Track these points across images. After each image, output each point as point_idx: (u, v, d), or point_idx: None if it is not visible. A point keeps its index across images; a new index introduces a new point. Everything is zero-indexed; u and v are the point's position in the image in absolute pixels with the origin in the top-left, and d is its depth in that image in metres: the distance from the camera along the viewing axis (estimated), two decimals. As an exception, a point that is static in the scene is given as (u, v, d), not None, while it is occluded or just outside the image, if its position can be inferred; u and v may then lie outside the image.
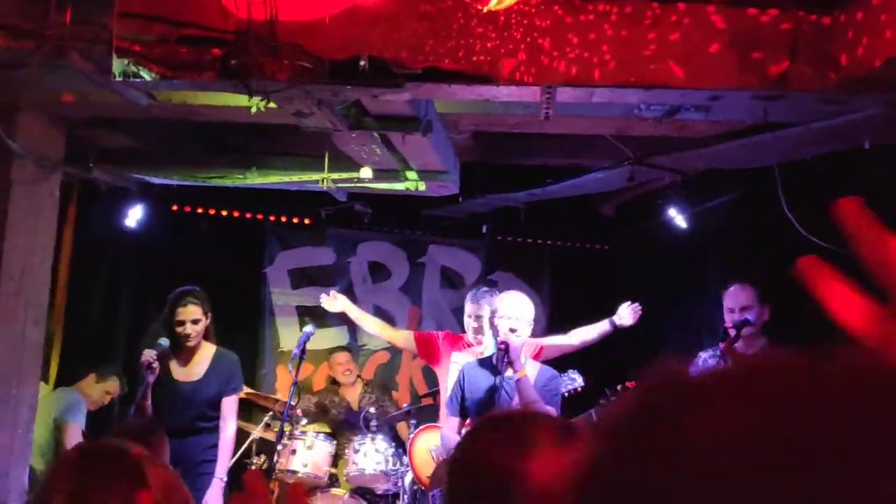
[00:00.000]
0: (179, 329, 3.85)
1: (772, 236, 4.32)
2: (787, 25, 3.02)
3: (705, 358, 4.21)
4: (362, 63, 2.40)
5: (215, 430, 3.90)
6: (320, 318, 6.37)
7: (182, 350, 3.90)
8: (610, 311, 4.58)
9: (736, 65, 2.90)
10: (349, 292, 6.42)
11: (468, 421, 3.73)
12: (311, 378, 6.44)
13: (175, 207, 5.90)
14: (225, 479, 3.91)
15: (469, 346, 4.62)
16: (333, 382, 6.09)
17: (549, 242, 6.68)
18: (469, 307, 4.43)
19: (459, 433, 3.74)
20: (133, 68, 2.51)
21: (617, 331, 4.45)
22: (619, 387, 3.80)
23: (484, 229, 6.46)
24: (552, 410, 3.55)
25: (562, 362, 4.63)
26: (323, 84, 2.53)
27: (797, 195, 4.03)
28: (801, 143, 3.75)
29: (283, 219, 6.30)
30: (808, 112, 3.29)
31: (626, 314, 4.40)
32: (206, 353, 4.02)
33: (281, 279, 6.35)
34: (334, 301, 4.73)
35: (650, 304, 5.77)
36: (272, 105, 2.89)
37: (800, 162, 3.99)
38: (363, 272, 6.51)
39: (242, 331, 6.18)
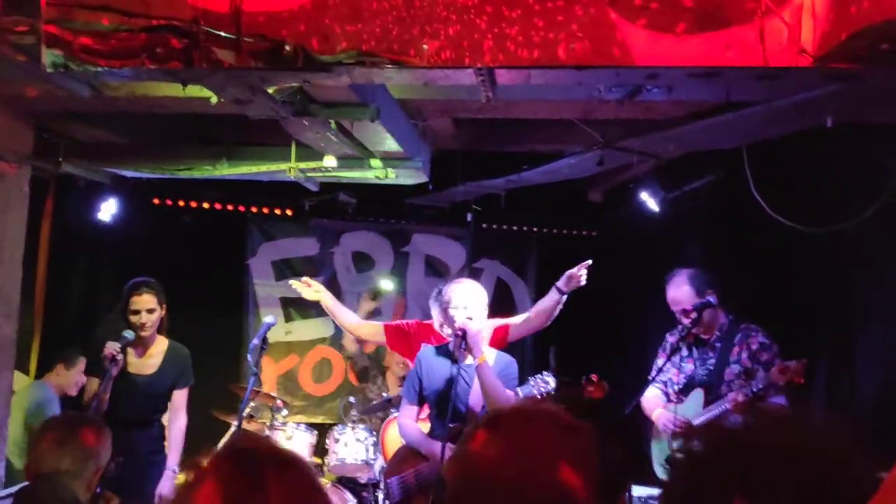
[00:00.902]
0: (134, 318, 3.85)
1: (742, 218, 4.27)
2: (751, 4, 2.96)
3: (672, 342, 4.18)
4: (287, 48, 2.38)
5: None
6: (305, 309, 6.39)
7: (137, 341, 3.90)
8: (596, 296, 4.48)
9: (701, 45, 2.85)
10: (333, 282, 6.43)
11: (425, 408, 3.72)
12: (297, 368, 6.46)
13: (157, 201, 5.92)
14: (177, 470, 3.93)
15: (440, 339, 4.59)
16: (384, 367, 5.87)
17: (534, 229, 6.64)
18: (434, 311, 4.40)
19: (416, 420, 3.72)
20: (62, 59, 2.50)
21: (569, 294, 4.23)
22: (583, 379, 3.74)
23: (469, 217, 6.42)
24: (511, 396, 3.52)
25: (538, 364, 4.54)
26: (249, 70, 2.51)
27: (765, 176, 3.97)
28: (765, 122, 3.68)
29: (266, 210, 6.30)
30: (764, 91, 3.22)
31: (566, 277, 4.14)
32: (160, 346, 4.03)
33: (264, 270, 6.37)
34: (308, 288, 4.52)
35: (636, 288, 5.74)
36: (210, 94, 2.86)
37: (767, 143, 3.93)
38: (347, 262, 6.50)
39: (226, 322, 6.21)
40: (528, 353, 5.94)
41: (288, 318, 6.35)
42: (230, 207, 6.18)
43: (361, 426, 5.10)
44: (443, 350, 3.68)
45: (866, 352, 4.00)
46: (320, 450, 5.22)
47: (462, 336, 3.44)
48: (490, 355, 3.56)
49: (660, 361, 4.26)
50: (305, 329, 6.40)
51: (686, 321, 3.93)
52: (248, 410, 5.40)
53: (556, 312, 4.35)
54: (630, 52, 2.69)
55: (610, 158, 4.41)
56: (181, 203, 6.01)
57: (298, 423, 5.34)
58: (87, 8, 2.64)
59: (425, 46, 2.37)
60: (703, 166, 4.80)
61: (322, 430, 5.35)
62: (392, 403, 5.31)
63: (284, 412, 5.43)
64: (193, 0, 2.74)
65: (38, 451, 2.33)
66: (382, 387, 5.75)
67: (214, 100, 3.36)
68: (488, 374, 3.45)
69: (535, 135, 5.00)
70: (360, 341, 5.58)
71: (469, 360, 3.55)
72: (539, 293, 6.63)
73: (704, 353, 4.05)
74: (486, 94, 2.82)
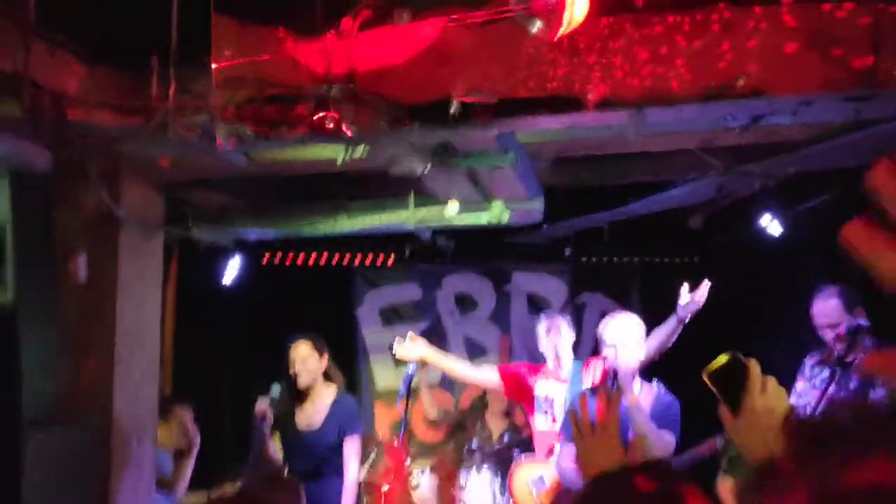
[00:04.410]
0: (291, 370, 3.93)
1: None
2: (866, 19, 2.94)
3: (811, 364, 4.10)
4: (453, 105, 2.45)
5: (339, 473, 3.92)
6: (413, 354, 6.43)
7: (299, 394, 3.97)
8: (704, 323, 4.43)
9: (818, 66, 2.83)
10: (438, 326, 6.49)
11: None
12: (410, 415, 6.47)
13: (266, 258, 6.10)
14: None
15: (550, 372, 4.58)
16: (482, 407, 5.83)
17: (635, 259, 6.58)
18: (540, 335, 4.43)
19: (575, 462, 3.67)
20: (234, 131, 2.63)
21: (687, 321, 4.19)
22: None
23: (567, 252, 6.42)
24: (669, 436, 3.46)
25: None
26: (414, 129, 2.59)
27: None
28: (898, 137, 3.61)
29: (369, 260, 6.41)
30: (888, 106, 3.17)
31: (687, 297, 4.12)
32: (326, 397, 4.04)
33: (372, 319, 6.46)
34: (412, 344, 4.36)
35: (746, 314, 5.63)
36: (361, 154, 2.96)
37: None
38: (450, 305, 6.55)
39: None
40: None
41: (398, 364, 6.40)
42: (335, 260, 6.32)
43: (487, 471, 5.08)
44: (597, 390, 3.65)
45: None
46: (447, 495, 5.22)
47: (613, 376, 3.42)
48: (648, 394, 3.51)
49: (799, 386, 4.17)
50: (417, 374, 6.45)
51: (830, 336, 3.84)
52: (370, 458, 5.45)
53: (671, 343, 4.32)
54: (776, 79, 2.70)
55: (730, 184, 4.37)
56: (289, 259, 6.17)
57: (422, 469, 5.35)
58: (249, 83, 2.78)
59: (590, 95, 2.42)
60: (816, 184, 4.71)
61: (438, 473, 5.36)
62: (514, 446, 5.28)
63: (407, 461, 5.45)
64: (342, 65, 2.87)
65: None
66: (484, 430, 5.73)
67: (340, 161, 3.47)
68: (639, 416, 3.40)
69: (635, 167, 4.99)
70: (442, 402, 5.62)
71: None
72: (646, 324, 6.57)
73: (847, 375, 3.95)
74: (634, 132, 2.85)
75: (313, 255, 6.25)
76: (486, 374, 4.83)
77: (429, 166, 3.08)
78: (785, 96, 2.56)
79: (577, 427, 1.63)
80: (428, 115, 2.53)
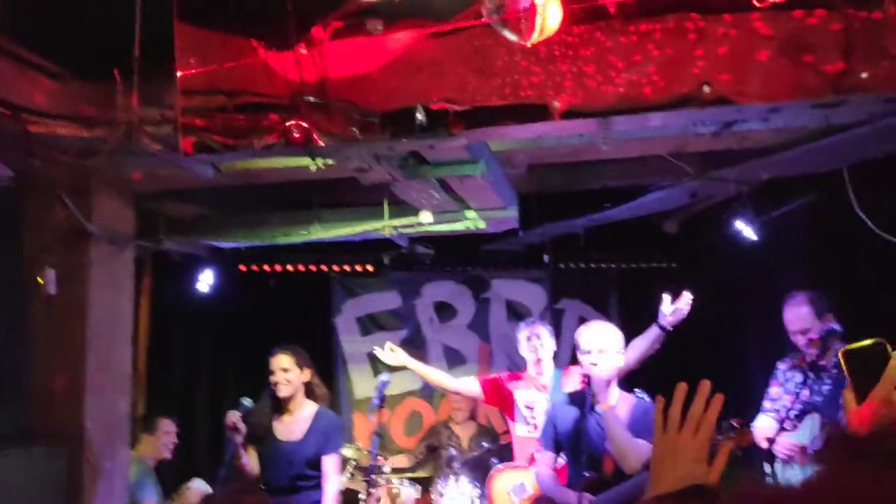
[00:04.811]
0: (272, 379, 3.90)
1: (844, 238, 4.20)
2: (836, 26, 2.95)
3: (783, 370, 4.14)
4: (419, 117, 2.44)
5: (317, 487, 3.87)
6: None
7: (280, 405, 3.93)
8: (681, 328, 4.44)
9: (789, 73, 2.84)
10: (417, 334, 6.47)
11: (561, 456, 3.67)
12: (388, 423, 6.45)
13: (243, 268, 6.04)
14: None
15: (531, 380, 4.57)
16: (446, 423, 6.00)
17: (612, 266, 6.60)
18: (521, 343, 4.47)
19: (553, 469, 3.67)
20: (199, 142, 2.60)
21: (670, 330, 4.22)
22: (723, 423, 3.53)
23: (545, 259, 6.42)
24: (645, 445, 3.44)
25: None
26: (381, 140, 2.57)
27: (869, 193, 3.91)
28: (870, 142, 3.63)
29: (347, 268, 6.38)
30: (870, 112, 3.19)
31: (670, 307, 4.14)
32: (307, 411, 4.00)
33: (350, 327, 6.42)
34: (392, 354, 4.66)
35: (725, 318, 5.65)
36: (331, 163, 2.94)
37: (870, 159, 3.87)
38: (430, 313, 6.53)
39: (317, 382, 6.25)
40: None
41: (376, 373, 6.36)
42: (313, 268, 6.28)
43: (465, 478, 5.06)
44: (575, 396, 3.64)
45: None
46: (426, 504, 5.20)
47: (586, 383, 3.41)
48: (625, 403, 3.50)
49: (773, 390, 4.19)
50: (395, 382, 6.40)
51: (802, 342, 3.89)
52: (350, 469, 5.41)
53: (653, 352, 4.32)
54: (746, 86, 2.71)
55: (703, 190, 4.39)
56: (266, 268, 6.12)
57: (402, 480, 5.32)
58: (215, 93, 2.75)
59: (556, 104, 2.41)
60: (794, 189, 4.74)
61: (423, 484, 5.34)
62: (492, 453, 5.27)
63: (387, 468, 5.42)
64: (311, 74, 2.85)
65: None
66: (452, 438, 5.73)
67: (314, 168, 3.45)
68: (613, 422, 3.39)
69: (609, 172, 5.00)
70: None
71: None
72: (624, 329, 6.58)
73: (820, 378, 3.98)
74: (602, 140, 2.84)
75: (290, 263, 6.21)
76: (466, 384, 4.84)
77: (399, 177, 3.05)
78: (753, 103, 2.55)
79: (663, 420, 1.34)
80: (395, 125, 2.50)
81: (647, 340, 4.28)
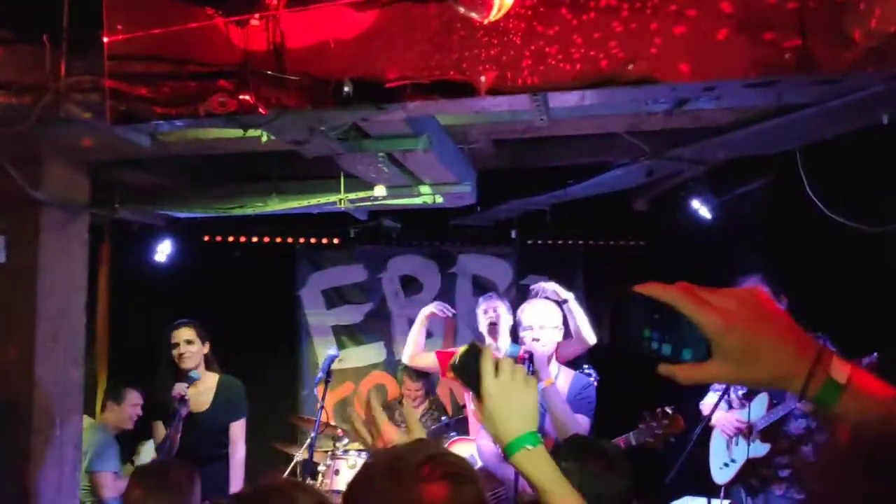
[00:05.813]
0: (175, 352, 4.00)
1: (798, 220, 4.21)
2: (793, 4, 2.92)
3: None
4: (346, 89, 2.41)
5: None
6: (357, 335, 6.43)
7: (183, 377, 4.03)
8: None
9: (743, 51, 2.81)
10: (383, 308, 6.47)
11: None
12: (352, 397, 6.48)
13: (207, 238, 6.02)
14: None
15: None
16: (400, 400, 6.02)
17: (580, 242, 6.60)
18: (479, 317, 4.48)
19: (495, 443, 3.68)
20: (124, 113, 2.56)
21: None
22: (657, 410, 3.56)
23: (513, 234, 6.42)
24: (584, 420, 3.48)
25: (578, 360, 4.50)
26: (308, 111, 2.54)
27: (820, 176, 3.91)
28: (820, 123, 3.63)
29: (313, 240, 6.37)
30: (817, 93, 3.17)
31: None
32: (210, 381, 4.17)
33: (315, 300, 6.42)
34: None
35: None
36: (269, 135, 2.91)
37: (822, 142, 3.87)
38: (395, 287, 6.53)
39: (281, 354, 6.27)
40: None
41: (341, 346, 6.39)
42: (278, 240, 6.26)
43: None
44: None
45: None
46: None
47: (529, 359, 3.42)
48: (566, 378, 3.53)
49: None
50: (358, 355, 6.44)
51: None
52: (308, 440, 5.43)
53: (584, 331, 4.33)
54: (681, 64, 2.68)
55: (659, 168, 4.38)
56: (231, 239, 6.10)
57: (360, 451, 5.34)
58: (144, 59, 2.70)
59: (483, 78, 2.39)
60: (753, 170, 4.74)
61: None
62: (450, 427, 5.31)
63: (345, 441, 5.44)
64: (240, 42, 2.80)
65: (132, 499, 2.36)
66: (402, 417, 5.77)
67: (265, 139, 3.42)
68: (554, 399, 3.41)
69: (576, 148, 4.98)
70: None
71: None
72: (589, 307, 6.61)
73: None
74: (539, 118, 2.82)
75: (256, 235, 6.18)
76: (425, 359, 4.90)
77: (339, 150, 3.03)
78: (682, 82, 2.52)
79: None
80: (322, 97, 2.47)
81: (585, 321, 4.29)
